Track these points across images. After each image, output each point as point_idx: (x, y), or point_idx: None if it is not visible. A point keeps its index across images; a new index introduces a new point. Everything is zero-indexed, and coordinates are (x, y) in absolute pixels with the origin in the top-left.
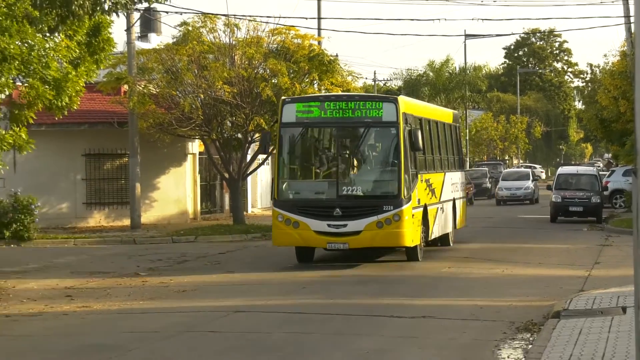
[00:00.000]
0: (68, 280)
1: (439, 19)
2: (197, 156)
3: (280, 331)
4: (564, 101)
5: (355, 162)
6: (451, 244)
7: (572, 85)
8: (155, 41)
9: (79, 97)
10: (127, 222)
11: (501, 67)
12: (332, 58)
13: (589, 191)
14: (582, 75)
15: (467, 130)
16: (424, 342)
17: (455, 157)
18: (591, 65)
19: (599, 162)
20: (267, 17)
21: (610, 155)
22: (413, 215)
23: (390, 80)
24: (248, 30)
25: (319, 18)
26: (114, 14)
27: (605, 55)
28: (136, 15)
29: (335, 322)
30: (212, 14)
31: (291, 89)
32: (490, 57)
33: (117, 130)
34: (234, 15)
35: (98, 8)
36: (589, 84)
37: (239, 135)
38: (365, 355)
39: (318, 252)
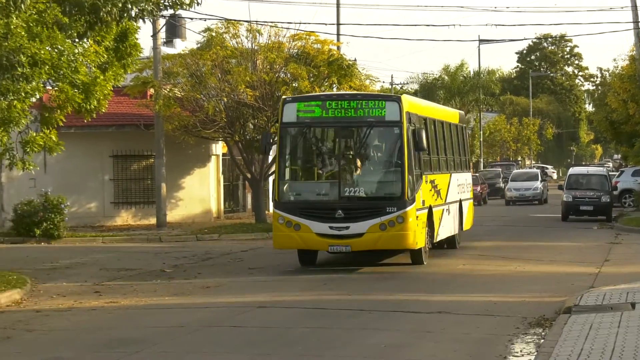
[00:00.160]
0: (96, 276)
1: (454, 25)
2: (221, 157)
3: (301, 326)
4: (575, 104)
5: (358, 163)
6: (457, 246)
7: (583, 88)
8: (180, 46)
9: (107, 100)
10: (153, 220)
11: (514, 71)
12: (350, 62)
13: (599, 191)
14: (592, 79)
15: (481, 132)
16: (439, 337)
17: (461, 158)
18: (601, 69)
19: (609, 163)
20: (288, 23)
21: (619, 156)
22: (417, 217)
23: (407, 83)
24: (270, 35)
25: (338, 24)
26: (141, 21)
27: (614, 60)
28: (162, 22)
29: (353, 317)
30: (235, 20)
31: (311, 92)
32: (503, 61)
33: (144, 132)
34: (256, 21)
35: (125, 15)
36: (599, 87)
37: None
38: (382, 349)
39: (322, 254)
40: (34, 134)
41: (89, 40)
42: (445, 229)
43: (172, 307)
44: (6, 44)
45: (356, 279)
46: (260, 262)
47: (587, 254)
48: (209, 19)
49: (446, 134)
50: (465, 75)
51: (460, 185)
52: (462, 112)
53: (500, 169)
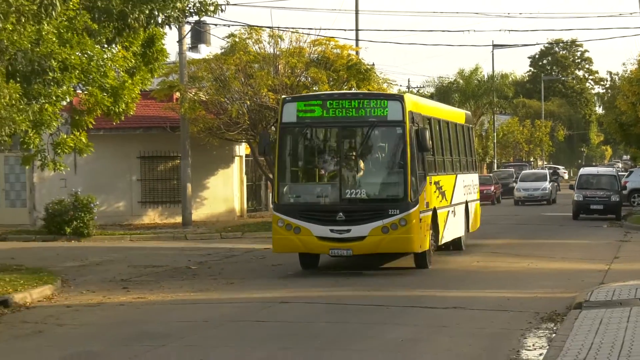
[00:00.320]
0: (124, 273)
1: (468, 30)
2: (244, 158)
3: (321, 320)
4: (585, 106)
5: (359, 164)
6: (464, 248)
7: (593, 91)
8: (205, 52)
9: (135, 103)
10: (179, 219)
11: (526, 75)
12: (368, 67)
13: (608, 190)
14: (602, 82)
15: (495, 134)
16: (454, 331)
17: (467, 159)
18: (610, 73)
19: (618, 164)
20: (309, 28)
21: (628, 157)
22: (421, 219)
23: (423, 87)
24: (291, 41)
25: (357, 30)
26: (167, 27)
27: (623, 64)
28: (187, 28)
29: (372, 312)
30: (258, 26)
31: None
32: (516, 65)
33: (170, 134)
34: (278, 27)
35: (152, 21)
36: (609, 90)
37: None
38: (400, 343)
39: (324, 257)
40: (65, 136)
41: (118, 45)
42: (451, 231)
43: (198, 302)
44: (38, 49)
45: (375, 275)
46: (282, 259)
47: (597, 251)
48: (233, 25)
49: (452, 134)
50: (479, 79)
51: (466, 186)
52: (469, 112)
53: (513, 170)
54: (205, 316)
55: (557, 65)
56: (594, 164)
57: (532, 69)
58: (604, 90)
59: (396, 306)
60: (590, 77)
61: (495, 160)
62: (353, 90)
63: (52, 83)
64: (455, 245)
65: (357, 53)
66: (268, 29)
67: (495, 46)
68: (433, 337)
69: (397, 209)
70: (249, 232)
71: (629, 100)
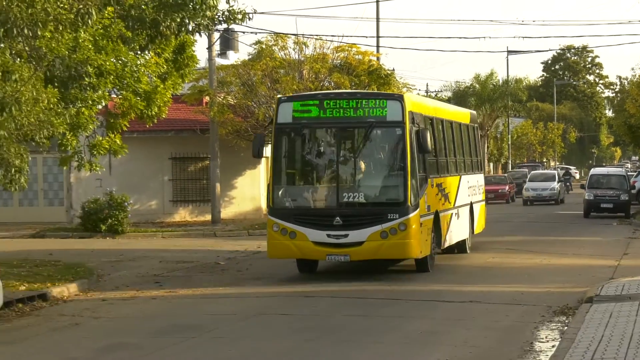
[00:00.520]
0: (156, 268)
1: (484, 37)
2: (270, 159)
3: (344, 314)
4: (596, 110)
5: (358, 166)
6: (468, 251)
7: (603, 95)
8: (233, 58)
9: (167, 107)
10: (208, 217)
11: (540, 79)
12: (389, 72)
13: (618, 190)
14: (612, 87)
15: (509, 136)
16: (470, 324)
17: (472, 159)
18: (620, 77)
19: (628, 164)
20: (332, 36)
21: (637, 157)
22: (422, 223)
23: (441, 91)
24: (315, 47)
25: (378, 37)
26: (197, 34)
27: (632, 69)
28: (216, 35)
29: (391, 305)
30: (283, 33)
31: None
32: (529, 70)
33: (200, 137)
34: (303, 34)
35: (183, 29)
36: (618, 94)
37: None
38: (418, 335)
39: (322, 262)
40: (100, 138)
41: (150, 52)
42: (455, 233)
43: (226, 296)
44: (75, 56)
45: (395, 270)
46: None
47: (607, 248)
48: (260, 32)
49: (455, 135)
50: (494, 83)
51: (471, 187)
52: (474, 112)
53: (527, 170)
54: (233, 309)
55: (569, 70)
56: (604, 164)
57: (545, 74)
58: (614, 94)
59: (414, 300)
60: (601, 81)
61: (510, 161)
62: (350, 90)
63: (88, 88)
64: (459, 248)
65: (377, 59)
66: (293, 36)
67: (509, 52)
68: (450, 329)
69: (397, 213)
70: None
71: (637, 103)
